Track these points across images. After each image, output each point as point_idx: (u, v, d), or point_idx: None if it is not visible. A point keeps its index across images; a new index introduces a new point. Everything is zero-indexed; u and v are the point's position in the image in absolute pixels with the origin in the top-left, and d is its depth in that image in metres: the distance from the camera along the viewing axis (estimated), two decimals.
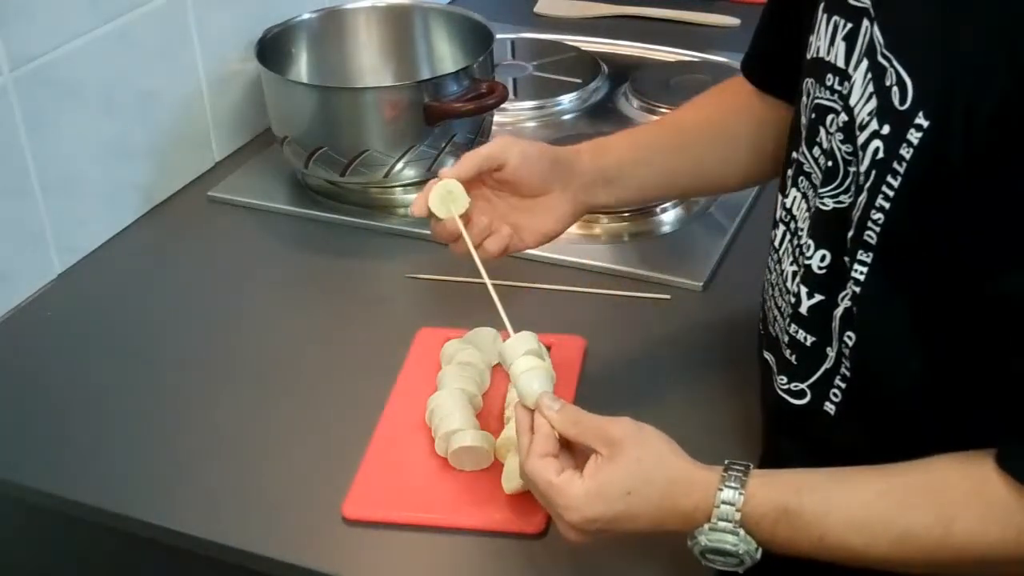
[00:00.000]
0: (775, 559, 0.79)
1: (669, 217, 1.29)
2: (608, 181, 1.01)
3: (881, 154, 0.76)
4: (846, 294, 0.82)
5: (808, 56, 0.87)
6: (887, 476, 0.78)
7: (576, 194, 0.99)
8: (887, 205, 0.76)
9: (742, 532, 0.77)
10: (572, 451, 0.83)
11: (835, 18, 0.83)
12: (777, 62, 0.97)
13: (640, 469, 0.79)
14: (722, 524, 0.77)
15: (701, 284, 1.18)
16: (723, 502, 0.77)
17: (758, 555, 0.78)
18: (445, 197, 0.92)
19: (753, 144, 1.04)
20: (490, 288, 0.90)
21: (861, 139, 0.78)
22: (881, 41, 0.77)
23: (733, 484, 0.77)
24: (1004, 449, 0.74)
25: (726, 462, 0.79)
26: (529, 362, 0.86)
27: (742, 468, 0.78)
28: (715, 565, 0.79)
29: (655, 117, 1.50)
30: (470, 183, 0.94)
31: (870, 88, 0.77)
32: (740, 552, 0.77)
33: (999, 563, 0.75)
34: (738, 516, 0.77)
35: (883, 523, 0.76)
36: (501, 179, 0.96)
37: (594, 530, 0.80)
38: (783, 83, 0.95)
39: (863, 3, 0.79)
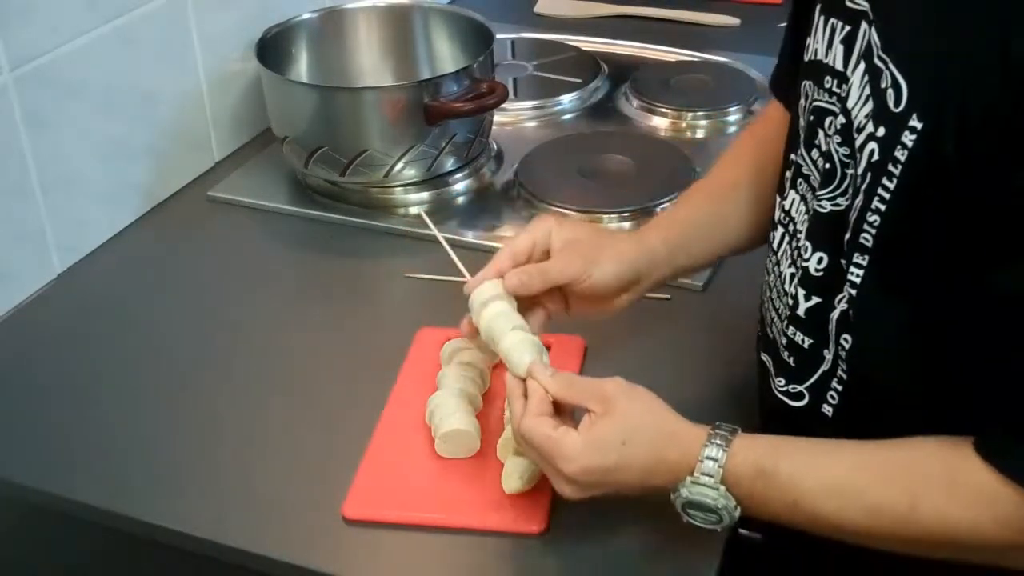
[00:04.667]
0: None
1: None
2: (672, 249, 0.98)
3: (876, 156, 0.76)
4: (842, 296, 0.82)
5: (806, 58, 0.87)
6: (865, 449, 0.80)
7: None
8: (883, 207, 0.76)
9: (722, 488, 0.80)
10: (561, 416, 0.85)
11: (832, 20, 0.83)
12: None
13: (632, 420, 0.83)
14: (704, 479, 0.80)
15: (701, 284, 1.18)
16: (707, 457, 0.80)
17: (736, 513, 0.81)
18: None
19: None
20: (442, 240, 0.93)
21: (858, 141, 0.78)
22: (878, 43, 0.77)
23: (718, 442, 0.81)
24: (983, 436, 0.76)
25: (715, 423, 0.82)
26: (502, 313, 0.90)
27: (729, 429, 0.82)
28: (695, 520, 0.83)
29: (655, 117, 1.51)
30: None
31: (867, 90, 0.77)
32: (719, 507, 0.81)
33: (971, 547, 0.76)
34: (720, 472, 0.80)
35: (855, 493, 0.79)
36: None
37: (591, 481, 0.83)
38: None
39: (861, 6, 0.79)
